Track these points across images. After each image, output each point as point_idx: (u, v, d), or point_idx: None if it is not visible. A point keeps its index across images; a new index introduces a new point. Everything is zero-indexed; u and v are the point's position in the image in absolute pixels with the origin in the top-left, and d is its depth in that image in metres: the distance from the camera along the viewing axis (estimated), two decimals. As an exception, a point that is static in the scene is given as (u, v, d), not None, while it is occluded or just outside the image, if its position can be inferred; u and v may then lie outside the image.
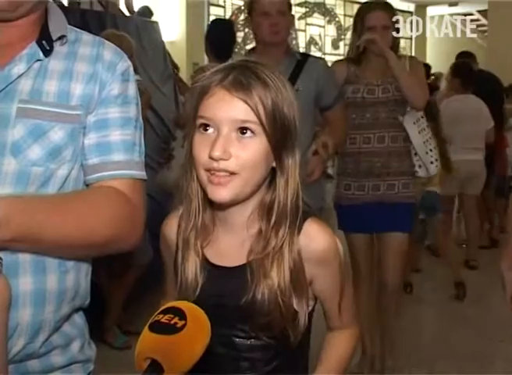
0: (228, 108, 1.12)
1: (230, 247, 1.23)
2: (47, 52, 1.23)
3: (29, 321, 1.17)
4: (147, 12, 7.30)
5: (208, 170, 1.13)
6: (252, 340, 1.22)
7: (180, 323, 0.91)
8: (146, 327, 0.92)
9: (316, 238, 1.21)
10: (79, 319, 1.32)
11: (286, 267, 1.18)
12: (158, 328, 0.91)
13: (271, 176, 1.20)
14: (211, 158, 1.12)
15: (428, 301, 4.96)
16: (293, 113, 1.17)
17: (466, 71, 5.13)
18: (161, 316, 0.93)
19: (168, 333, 0.90)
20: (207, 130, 1.14)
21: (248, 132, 1.13)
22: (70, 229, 1.15)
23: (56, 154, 1.20)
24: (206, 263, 1.23)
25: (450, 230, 5.48)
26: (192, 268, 1.22)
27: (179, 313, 0.93)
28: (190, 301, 1.16)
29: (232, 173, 1.12)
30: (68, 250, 1.20)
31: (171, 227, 1.29)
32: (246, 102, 1.12)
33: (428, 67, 6.92)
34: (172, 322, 0.91)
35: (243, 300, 1.18)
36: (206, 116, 1.14)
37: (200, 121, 1.15)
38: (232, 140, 1.12)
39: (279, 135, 1.15)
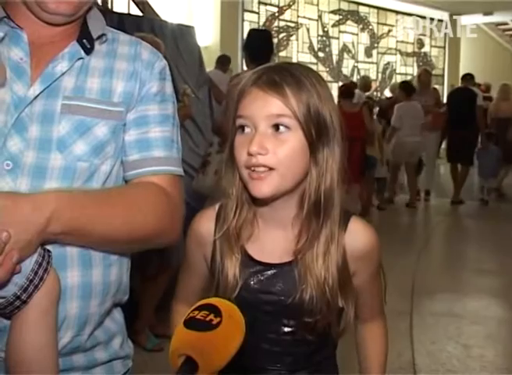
0: (263, 105, 1.14)
1: (276, 243, 1.23)
2: (88, 51, 1.25)
3: (76, 314, 1.19)
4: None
5: (248, 168, 1.15)
6: (296, 335, 1.22)
7: (216, 320, 0.89)
8: (181, 324, 0.90)
9: (362, 236, 1.23)
10: (118, 315, 1.34)
11: (333, 264, 1.19)
12: (193, 325, 0.89)
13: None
14: (249, 154, 1.14)
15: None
16: (328, 108, 1.18)
17: (408, 87, 8.52)
18: (196, 312, 0.91)
19: (204, 330, 0.88)
20: (245, 129, 1.16)
21: (283, 127, 1.14)
22: (117, 223, 1.16)
23: (100, 150, 1.22)
24: (249, 260, 1.23)
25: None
26: (232, 265, 1.22)
27: (215, 310, 0.91)
28: (231, 298, 1.18)
29: (270, 169, 1.14)
30: (113, 244, 1.21)
31: (206, 225, 1.28)
32: (280, 99, 1.14)
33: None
34: (208, 318, 0.89)
35: (291, 296, 1.19)
36: (243, 114, 1.17)
37: (238, 121, 1.17)
38: (268, 136, 1.14)
39: (315, 129, 1.16)
